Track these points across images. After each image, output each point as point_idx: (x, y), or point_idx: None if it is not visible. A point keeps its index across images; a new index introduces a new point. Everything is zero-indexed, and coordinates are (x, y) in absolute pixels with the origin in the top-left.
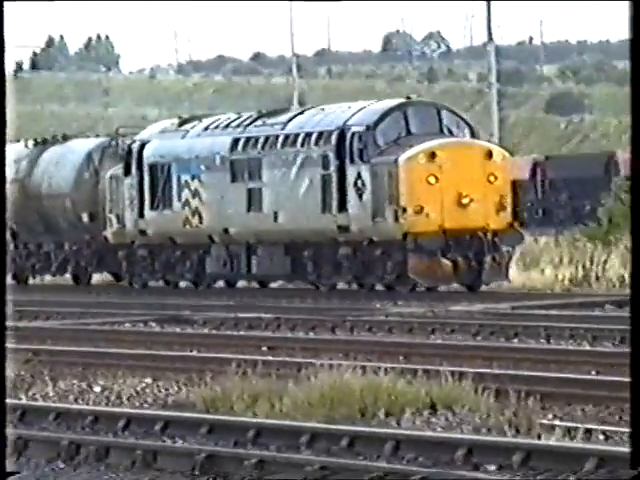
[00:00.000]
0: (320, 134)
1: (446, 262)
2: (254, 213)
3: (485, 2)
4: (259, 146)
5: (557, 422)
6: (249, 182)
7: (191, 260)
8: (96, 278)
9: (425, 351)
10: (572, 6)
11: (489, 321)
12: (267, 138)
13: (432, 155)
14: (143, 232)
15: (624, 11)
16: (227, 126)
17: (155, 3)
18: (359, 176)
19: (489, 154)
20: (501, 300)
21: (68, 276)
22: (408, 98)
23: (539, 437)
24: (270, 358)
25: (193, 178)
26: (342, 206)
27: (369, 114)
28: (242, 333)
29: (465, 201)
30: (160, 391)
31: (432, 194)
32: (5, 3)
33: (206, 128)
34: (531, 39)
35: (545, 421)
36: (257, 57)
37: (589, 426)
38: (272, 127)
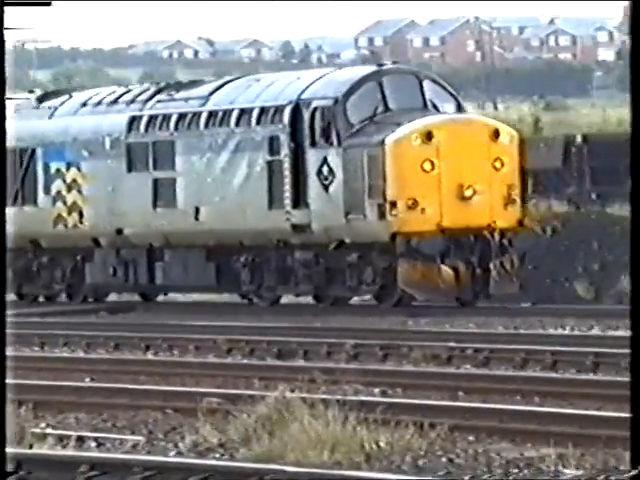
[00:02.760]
0: (263, 110)
1: (447, 269)
2: (163, 210)
3: None
4: (171, 126)
5: (50, 430)
6: (155, 171)
7: (63, 268)
8: None
9: None
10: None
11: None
12: (182, 116)
13: (428, 136)
14: None
15: (144, 17)
16: (115, 102)
17: None
18: (325, 162)
19: (495, 134)
20: None
21: None
22: (380, 65)
23: (31, 446)
24: None
25: (69, 166)
26: (298, 200)
27: (334, 85)
28: None
29: (468, 193)
30: None
31: (428, 184)
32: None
33: (84, 104)
34: None
35: (37, 430)
36: None
37: (82, 433)
38: (186, 102)
